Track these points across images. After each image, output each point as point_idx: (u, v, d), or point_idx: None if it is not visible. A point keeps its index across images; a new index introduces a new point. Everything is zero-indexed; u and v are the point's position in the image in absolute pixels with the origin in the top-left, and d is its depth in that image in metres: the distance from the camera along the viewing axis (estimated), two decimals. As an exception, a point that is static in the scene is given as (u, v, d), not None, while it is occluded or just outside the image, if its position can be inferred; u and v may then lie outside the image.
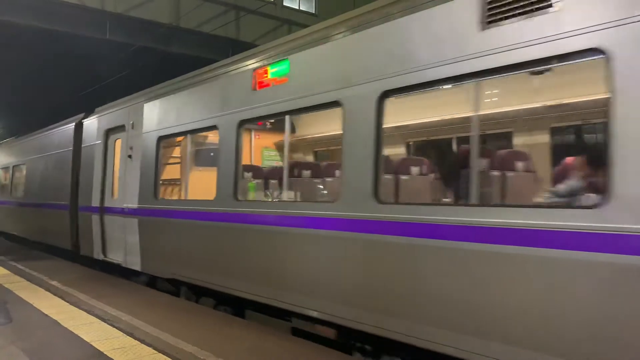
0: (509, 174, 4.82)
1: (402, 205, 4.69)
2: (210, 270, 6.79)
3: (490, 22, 3.93)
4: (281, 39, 6.45)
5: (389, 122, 4.94)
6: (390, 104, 4.69)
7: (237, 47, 18.37)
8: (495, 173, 4.71)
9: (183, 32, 19.06)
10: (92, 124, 11.04)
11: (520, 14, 3.77)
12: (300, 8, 23.18)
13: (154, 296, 7.74)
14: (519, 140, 5.95)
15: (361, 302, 4.69)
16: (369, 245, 4.67)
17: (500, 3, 3.88)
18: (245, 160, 7.28)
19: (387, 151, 5.36)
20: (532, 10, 3.71)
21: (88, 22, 17.66)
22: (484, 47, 3.92)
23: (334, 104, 5.12)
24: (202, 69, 7.64)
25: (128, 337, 5.51)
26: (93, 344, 5.24)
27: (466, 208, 4.04)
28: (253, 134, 7.77)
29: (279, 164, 7.65)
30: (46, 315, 6.43)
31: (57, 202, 12.47)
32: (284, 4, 22.44)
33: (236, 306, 6.77)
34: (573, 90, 5.04)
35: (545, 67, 3.84)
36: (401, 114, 6.03)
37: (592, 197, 3.66)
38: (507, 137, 5.95)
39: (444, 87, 4.49)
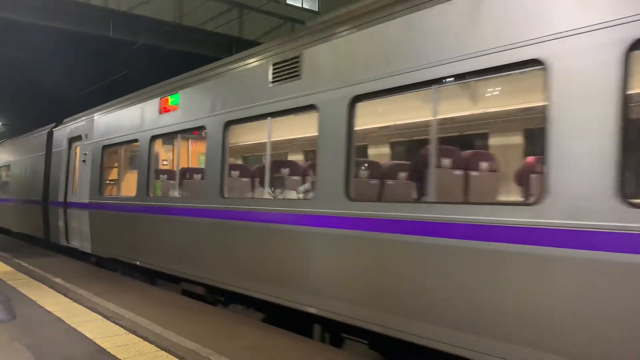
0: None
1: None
2: (135, 250, 8.88)
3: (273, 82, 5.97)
4: (175, 78, 8.47)
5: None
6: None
7: (240, 45, 18.39)
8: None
9: (186, 30, 19.08)
10: (60, 133, 13.21)
11: (285, 79, 5.77)
12: (304, 6, 23.17)
13: (156, 294, 7.77)
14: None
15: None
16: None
17: (277, 72, 5.96)
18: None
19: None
20: (290, 78, 5.74)
21: (92, 20, 17.70)
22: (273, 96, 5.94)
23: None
24: (132, 94, 9.83)
25: (131, 334, 5.54)
26: (96, 340, 5.27)
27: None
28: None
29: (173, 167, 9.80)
30: (49, 312, 6.47)
31: (33, 198, 14.67)
32: (287, 1, 22.44)
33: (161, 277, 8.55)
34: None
35: (299, 112, 5.68)
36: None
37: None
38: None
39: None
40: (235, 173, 7.55)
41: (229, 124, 6.65)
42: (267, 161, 6.65)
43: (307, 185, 6.76)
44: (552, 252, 3.39)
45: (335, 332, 5.54)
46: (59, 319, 6.14)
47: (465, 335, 3.87)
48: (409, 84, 4.46)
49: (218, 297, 7.13)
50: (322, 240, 5.13)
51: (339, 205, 4.94)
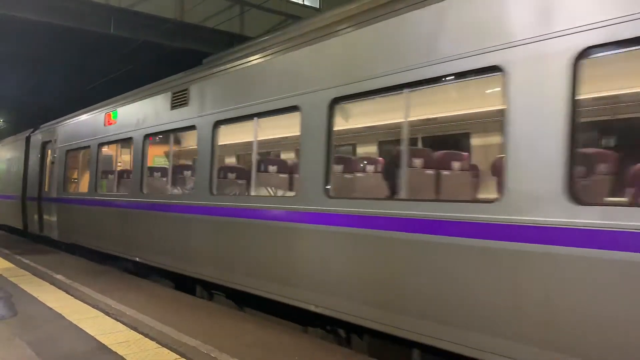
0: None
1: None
2: (89, 236, 11.00)
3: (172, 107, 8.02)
4: (115, 97, 10.67)
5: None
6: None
7: (241, 42, 18.32)
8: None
9: (187, 27, 19.03)
10: (36, 137, 15.44)
11: (178, 106, 7.81)
12: (305, 3, 23.09)
13: (157, 291, 7.78)
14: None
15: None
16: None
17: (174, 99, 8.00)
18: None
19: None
20: (181, 105, 7.72)
21: (93, 17, 17.67)
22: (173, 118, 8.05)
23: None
24: (88, 107, 12.07)
25: (132, 331, 5.54)
26: (97, 337, 5.27)
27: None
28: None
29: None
30: (50, 308, 6.47)
31: (14, 194, 16.99)
32: (289, -2, 22.38)
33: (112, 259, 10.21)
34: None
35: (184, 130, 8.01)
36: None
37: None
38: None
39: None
40: (157, 174, 9.41)
41: (147, 136, 8.85)
42: (170, 166, 8.80)
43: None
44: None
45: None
46: (60, 315, 6.13)
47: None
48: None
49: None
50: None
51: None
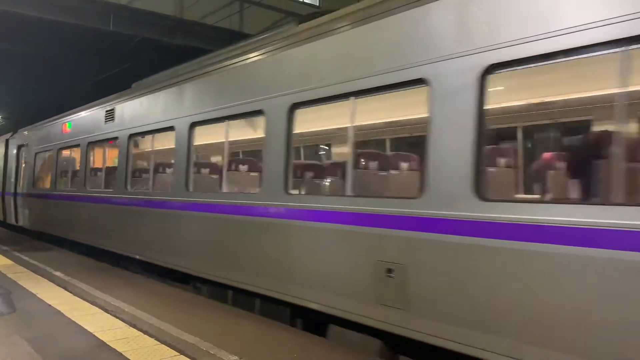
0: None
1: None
2: (52, 225, 13.43)
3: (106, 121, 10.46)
4: (70, 110, 13.22)
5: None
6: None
7: (241, 39, 18.28)
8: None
9: (187, 24, 18.98)
10: (13, 140, 18.03)
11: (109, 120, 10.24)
12: (305, 1, 23.03)
13: (156, 288, 7.78)
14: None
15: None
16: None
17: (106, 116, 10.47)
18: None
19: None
20: (109, 120, 10.25)
21: (92, 14, 17.61)
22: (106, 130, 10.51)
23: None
24: (52, 117, 14.64)
25: (131, 327, 5.53)
26: (96, 334, 5.26)
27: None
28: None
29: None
30: (49, 305, 6.47)
31: None
32: (288, -4, 22.32)
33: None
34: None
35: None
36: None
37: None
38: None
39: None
40: (99, 174, 11.18)
41: (89, 144, 11.40)
42: (104, 167, 10.86)
43: None
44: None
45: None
46: (59, 312, 6.13)
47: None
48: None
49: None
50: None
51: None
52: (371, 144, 7.09)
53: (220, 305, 6.70)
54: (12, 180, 17.26)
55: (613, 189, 3.45)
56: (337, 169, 6.06)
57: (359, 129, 5.44)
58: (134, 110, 9.33)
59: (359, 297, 4.80)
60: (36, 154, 15.09)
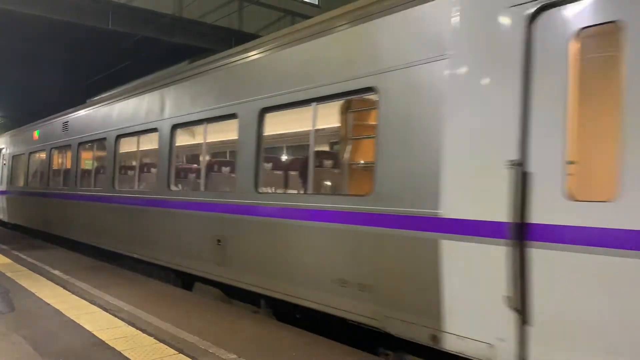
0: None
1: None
2: (25, 218, 15.99)
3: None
4: (37, 121, 16.03)
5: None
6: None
7: (240, 38, 18.27)
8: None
9: (186, 22, 18.94)
10: None
11: (65, 130, 12.88)
12: (304, 0, 23.00)
13: (155, 286, 7.78)
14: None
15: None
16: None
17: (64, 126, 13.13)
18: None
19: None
20: (65, 130, 12.94)
21: (91, 12, 17.57)
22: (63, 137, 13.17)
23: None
24: (26, 125, 17.41)
25: (130, 326, 5.53)
26: (95, 333, 5.26)
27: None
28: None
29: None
30: (48, 304, 6.46)
31: None
32: (287, -6, 22.27)
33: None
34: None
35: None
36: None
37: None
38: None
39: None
40: (61, 174, 13.06)
41: (52, 150, 13.80)
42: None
43: None
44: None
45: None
46: (58, 311, 6.13)
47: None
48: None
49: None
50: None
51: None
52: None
53: (219, 305, 6.70)
54: None
55: (314, 184, 5.53)
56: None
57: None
58: (84, 121, 11.56)
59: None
60: (13, 156, 17.82)
